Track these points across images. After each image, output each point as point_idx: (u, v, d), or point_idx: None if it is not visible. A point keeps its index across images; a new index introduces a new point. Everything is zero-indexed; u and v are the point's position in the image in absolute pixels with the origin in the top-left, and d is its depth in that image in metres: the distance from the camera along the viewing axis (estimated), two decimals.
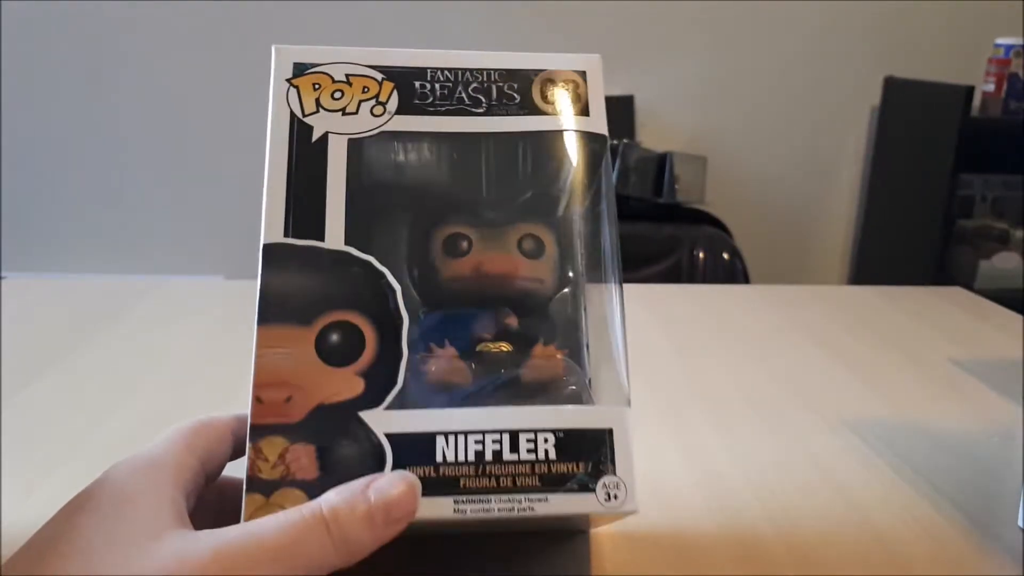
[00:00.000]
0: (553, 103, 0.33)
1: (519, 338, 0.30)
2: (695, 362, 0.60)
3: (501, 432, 0.29)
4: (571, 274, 0.31)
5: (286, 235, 0.30)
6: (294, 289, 0.30)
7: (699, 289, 0.79)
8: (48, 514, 0.26)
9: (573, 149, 0.33)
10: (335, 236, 0.30)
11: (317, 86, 0.32)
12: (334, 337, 0.29)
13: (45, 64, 1.91)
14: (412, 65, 0.33)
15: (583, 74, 0.34)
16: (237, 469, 0.30)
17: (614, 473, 0.29)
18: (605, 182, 0.33)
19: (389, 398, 0.29)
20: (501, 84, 0.33)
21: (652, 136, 1.95)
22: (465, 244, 0.31)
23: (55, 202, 2.00)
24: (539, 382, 0.30)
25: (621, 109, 1.93)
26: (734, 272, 1.58)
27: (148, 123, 1.96)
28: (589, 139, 0.33)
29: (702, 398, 0.53)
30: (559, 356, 0.30)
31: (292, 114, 0.32)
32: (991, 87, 1.81)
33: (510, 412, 0.29)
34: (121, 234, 2.03)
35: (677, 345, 0.63)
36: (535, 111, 0.33)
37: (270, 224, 0.30)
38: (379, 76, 0.33)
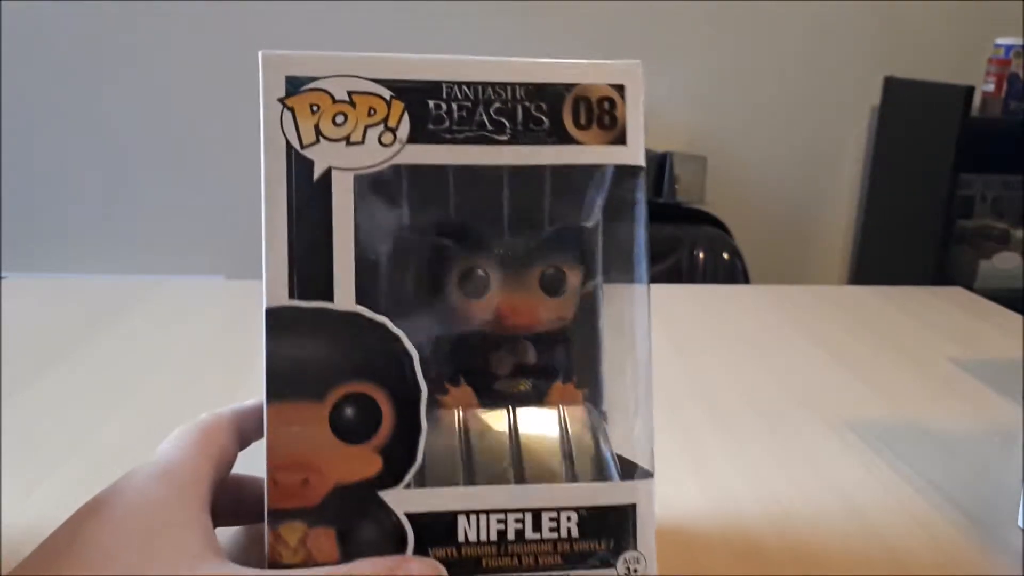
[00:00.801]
0: (586, 129, 0.30)
1: (537, 374, 0.30)
2: (695, 362, 0.60)
3: (524, 511, 0.28)
4: (592, 306, 0.30)
5: (291, 296, 0.27)
6: (304, 359, 0.27)
7: (699, 289, 0.79)
8: (48, 514, 0.26)
9: (605, 183, 0.30)
10: (345, 295, 0.27)
11: (315, 108, 0.28)
12: (349, 412, 0.27)
13: (45, 64, 1.91)
14: (425, 79, 0.29)
15: (621, 89, 0.30)
16: (240, 466, 0.30)
17: (635, 548, 0.28)
18: (637, 215, 0.30)
19: (408, 476, 0.27)
20: (528, 104, 0.29)
21: (652, 136, 1.94)
22: (483, 284, 0.29)
23: (55, 202, 2.00)
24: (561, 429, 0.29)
25: None
26: (734, 272, 1.58)
27: (148, 123, 1.96)
28: (624, 172, 0.30)
29: (702, 398, 0.53)
30: (579, 395, 0.30)
31: (288, 145, 0.28)
32: (991, 87, 1.81)
33: (533, 490, 0.28)
34: (121, 234, 2.03)
35: (677, 345, 0.63)
36: (566, 139, 0.29)
37: (273, 285, 0.27)
38: (387, 94, 0.28)
